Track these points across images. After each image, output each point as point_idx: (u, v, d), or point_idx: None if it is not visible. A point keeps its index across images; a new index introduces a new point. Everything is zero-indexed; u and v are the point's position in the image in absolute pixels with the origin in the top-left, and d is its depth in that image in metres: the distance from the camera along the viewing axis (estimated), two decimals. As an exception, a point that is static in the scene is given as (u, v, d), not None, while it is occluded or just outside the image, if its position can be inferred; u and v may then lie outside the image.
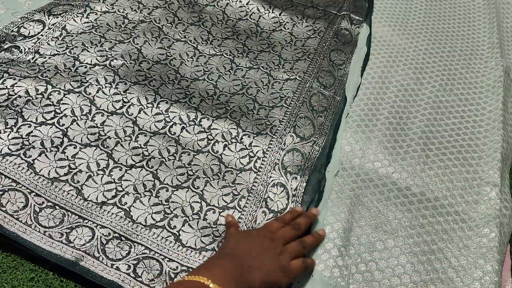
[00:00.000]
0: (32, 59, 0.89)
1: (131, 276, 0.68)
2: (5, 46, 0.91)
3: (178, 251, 0.72)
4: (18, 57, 0.90)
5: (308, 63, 1.05)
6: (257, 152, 0.87)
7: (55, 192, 0.75)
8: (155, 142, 0.84)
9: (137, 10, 1.04)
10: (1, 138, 0.78)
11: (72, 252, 0.69)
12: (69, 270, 0.71)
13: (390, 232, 0.82)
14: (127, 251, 0.71)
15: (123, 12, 1.03)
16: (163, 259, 0.71)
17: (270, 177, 0.84)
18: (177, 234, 0.74)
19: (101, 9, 1.01)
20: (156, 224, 0.75)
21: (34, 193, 0.73)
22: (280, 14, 1.15)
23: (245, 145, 0.87)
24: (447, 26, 1.28)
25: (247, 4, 1.15)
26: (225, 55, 1.02)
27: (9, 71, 0.86)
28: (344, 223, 0.82)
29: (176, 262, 0.71)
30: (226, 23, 1.11)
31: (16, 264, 0.74)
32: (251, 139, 0.88)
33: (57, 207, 0.73)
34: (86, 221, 0.73)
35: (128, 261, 0.69)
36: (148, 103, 0.89)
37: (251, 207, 0.80)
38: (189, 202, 0.78)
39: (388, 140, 0.96)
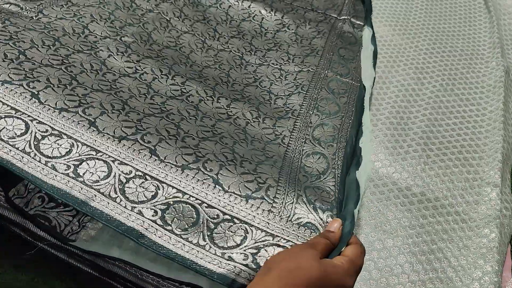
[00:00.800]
0: (36, 16, 0.83)
1: (158, 224, 0.55)
2: (2, 3, 0.85)
3: (219, 195, 0.59)
4: (19, 12, 0.82)
5: (318, 58, 1.02)
6: (282, 131, 0.77)
7: (62, 120, 0.63)
8: (173, 104, 0.74)
9: None
10: (1, 66, 0.67)
11: (82, 188, 0.56)
12: (70, 272, 0.71)
13: (390, 232, 0.82)
14: (153, 193, 0.57)
15: None
16: (200, 204, 0.58)
17: (303, 149, 0.74)
18: (216, 177, 0.61)
19: None
20: (190, 165, 0.62)
21: (36, 121, 0.62)
22: (282, 17, 1.15)
23: (269, 125, 0.78)
24: (448, 26, 1.27)
25: (249, 7, 1.15)
26: (233, 52, 1.01)
27: (11, 19, 0.78)
28: (342, 223, 0.81)
29: (217, 209, 0.58)
30: (230, 23, 1.11)
31: (17, 264, 0.74)
32: (274, 121, 0.79)
33: (64, 135, 0.61)
34: (100, 154, 0.60)
35: (154, 205, 0.56)
36: (162, 74, 0.80)
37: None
38: (220, 151, 0.66)
39: (388, 140, 0.96)
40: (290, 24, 1.13)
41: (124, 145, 0.62)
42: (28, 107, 0.63)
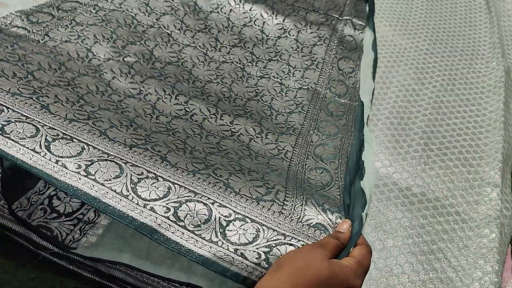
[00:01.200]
0: (42, 40, 0.86)
1: (171, 220, 0.54)
2: (11, 26, 0.88)
3: (230, 197, 0.60)
4: (26, 35, 0.85)
5: (318, 73, 1.04)
6: (285, 146, 0.79)
7: (73, 129, 0.63)
8: (178, 123, 0.75)
9: (145, 12, 1.05)
10: (11, 81, 0.68)
11: (93, 185, 0.56)
12: (70, 272, 0.71)
13: (390, 232, 0.82)
14: (165, 192, 0.57)
15: (131, 11, 1.03)
16: (212, 203, 0.57)
17: (306, 164, 0.75)
18: (226, 181, 0.62)
19: (109, 7, 1.01)
20: (200, 171, 0.62)
21: (47, 126, 0.62)
22: (283, 21, 1.14)
23: (271, 141, 0.79)
24: (448, 26, 1.27)
25: (250, 10, 1.15)
26: (235, 63, 1.02)
27: (19, 43, 0.80)
28: (342, 223, 0.81)
29: (229, 208, 0.58)
30: (232, 29, 1.11)
31: (16, 264, 0.74)
32: (276, 136, 0.81)
33: (75, 139, 0.61)
34: (112, 156, 0.60)
35: (167, 203, 0.56)
36: (166, 94, 0.81)
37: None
38: (227, 163, 0.67)
39: (389, 140, 0.96)
40: (291, 29, 1.13)
41: (136, 151, 0.62)
42: (39, 115, 0.64)
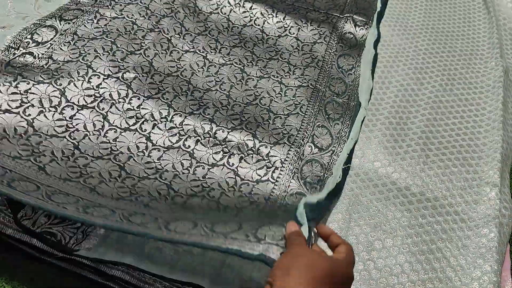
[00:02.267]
0: (46, 64, 0.89)
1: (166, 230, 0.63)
2: (19, 53, 0.92)
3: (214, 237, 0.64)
4: (32, 63, 0.89)
5: (318, 71, 1.04)
6: (274, 162, 0.84)
7: (67, 187, 0.71)
8: (169, 157, 0.82)
9: (145, 16, 1.05)
10: (10, 142, 0.76)
11: (92, 216, 0.65)
12: (71, 272, 0.72)
13: (389, 232, 0.83)
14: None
15: (131, 17, 1.03)
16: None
17: (289, 186, 0.81)
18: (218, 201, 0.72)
19: (110, 15, 1.02)
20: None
21: (45, 185, 0.70)
22: (284, 18, 1.14)
23: (262, 156, 0.84)
24: (447, 26, 1.28)
25: (250, 8, 1.15)
26: (235, 65, 1.02)
27: (23, 74, 0.85)
28: (341, 223, 0.82)
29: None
30: (232, 30, 1.10)
31: (16, 264, 0.75)
32: (269, 149, 0.85)
33: (70, 195, 0.69)
34: (103, 205, 0.68)
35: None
36: (162, 117, 0.87)
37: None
38: (207, 208, 0.74)
39: (388, 140, 0.96)
40: (292, 27, 1.13)
41: (122, 201, 0.71)
42: (37, 176, 0.71)
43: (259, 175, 0.82)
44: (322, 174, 0.84)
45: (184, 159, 0.82)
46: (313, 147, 0.88)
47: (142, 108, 0.87)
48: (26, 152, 0.74)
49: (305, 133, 0.90)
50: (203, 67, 1.00)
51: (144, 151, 0.82)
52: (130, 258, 0.73)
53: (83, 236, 0.75)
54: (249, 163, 0.83)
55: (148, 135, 0.84)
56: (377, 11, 1.19)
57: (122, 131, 0.83)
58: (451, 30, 1.27)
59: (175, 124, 0.86)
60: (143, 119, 0.85)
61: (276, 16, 1.16)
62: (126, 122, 0.84)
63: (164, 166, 0.80)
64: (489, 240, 0.81)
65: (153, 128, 0.85)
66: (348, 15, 1.18)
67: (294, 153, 0.86)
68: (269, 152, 0.85)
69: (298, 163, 0.84)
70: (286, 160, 0.84)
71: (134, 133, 0.83)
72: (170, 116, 0.87)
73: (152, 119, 0.86)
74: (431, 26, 1.26)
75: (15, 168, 0.71)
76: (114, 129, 0.83)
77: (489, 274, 0.77)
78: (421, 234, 0.82)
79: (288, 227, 0.61)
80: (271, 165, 0.83)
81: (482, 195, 0.88)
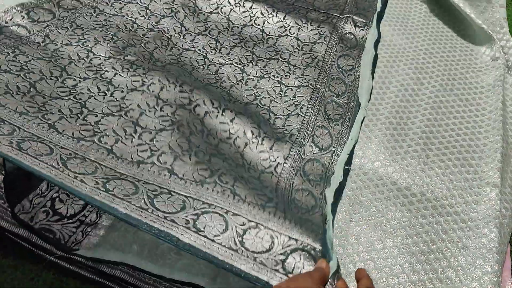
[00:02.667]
0: (43, 42, 0.87)
1: (192, 230, 0.58)
2: (11, 24, 0.89)
3: (239, 204, 0.63)
4: (27, 37, 0.87)
5: (318, 71, 1.04)
6: (277, 157, 0.83)
7: (82, 148, 0.67)
8: (182, 113, 0.79)
9: (145, 16, 1.05)
10: (15, 99, 0.71)
11: (114, 199, 0.60)
12: (71, 271, 0.71)
13: (389, 232, 0.82)
14: (181, 205, 0.61)
15: (131, 16, 1.03)
16: (226, 213, 0.61)
17: (293, 182, 0.83)
18: (233, 188, 0.66)
19: (109, 11, 1.02)
20: (206, 179, 0.67)
21: (59, 146, 0.66)
22: (284, 18, 1.14)
23: (266, 148, 0.83)
24: (447, 26, 1.27)
25: (250, 8, 1.15)
26: (235, 64, 1.02)
27: (20, 48, 0.83)
28: (341, 223, 0.82)
29: (242, 216, 0.62)
30: (232, 30, 1.10)
31: (16, 264, 0.74)
32: (272, 143, 0.84)
33: (87, 159, 0.65)
34: (124, 176, 0.64)
35: (186, 216, 0.60)
36: (170, 83, 0.84)
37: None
38: (228, 169, 0.71)
39: (388, 140, 0.96)
40: (292, 27, 1.13)
41: (144, 168, 0.66)
42: (48, 135, 0.68)
43: (263, 166, 0.80)
44: (323, 173, 0.84)
45: (196, 123, 0.79)
46: (313, 146, 0.88)
47: (148, 75, 0.84)
48: (33, 109, 0.71)
49: (305, 133, 0.90)
50: (203, 65, 1.01)
51: (156, 107, 0.78)
52: (130, 258, 0.72)
53: (82, 235, 0.74)
54: (254, 151, 0.81)
55: (157, 95, 0.81)
56: (377, 12, 1.20)
57: (129, 90, 0.80)
58: (451, 30, 1.27)
59: (185, 90, 0.84)
60: (150, 83, 0.83)
61: (276, 16, 1.16)
62: (132, 84, 0.82)
63: (179, 120, 0.77)
64: (489, 241, 0.81)
65: (161, 90, 0.82)
66: (348, 15, 1.19)
67: (296, 151, 0.86)
68: (272, 146, 0.84)
69: (300, 162, 0.84)
70: (289, 157, 0.84)
71: (142, 93, 0.80)
72: (179, 83, 0.85)
73: (160, 83, 0.83)
74: (431, 26, 1.26)
75: (24, 125, 0.67)
76: (120, 89, 0.80)
77: (489, 275, 0.77)
78: (422, 234, 0.82)
79: (318, 263, 0.60)
80: (273, 160, 0.82)
81: (482, 195, 0.88)
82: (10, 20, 0.88)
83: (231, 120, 0.84)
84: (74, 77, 0.82)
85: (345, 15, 1.19)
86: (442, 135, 0.99)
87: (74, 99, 0.76)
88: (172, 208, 0.60)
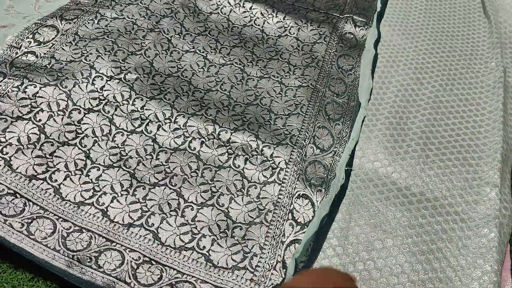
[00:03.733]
0: (49, 64, 0.90)
1: None
2: (21, 52, 0.93)
3: (210, 272, 0.72)
4: (35, 62, 0.91)
5: (318, 71, 1.05)
6: (279, 163, 0.86)
7: (81, 216, 0.75)
8: (176, 159, 0.84)
9: (145, 16, 1.05)
10: (25, 155, 0.79)
11: (103, 277, 0.69)
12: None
13: (389, 232, 0.82)
14: (158, 276, 0.70)
15: (132, 18, 1.04)
16: (196, 281, 0.70)
17: (295, 188, 0.83)
18: (208, 254, 0.74)
19: (111, 15, 1.03)
20: (185, 246, 0.75)
21: (61, 219, 0.74)
22: (284, 18, 1.14)
23: (267, 157, 0.86)
24: (447, 26, 1.27)
25: (250, 8, 1.15)
26: (235, 64, 1.02)
27: (28, 76, 0.86)
28: (341, 223, 0.82)
29: (210, 283, 0.70)
30: (232, 30, 1.11)
31: (16, 264, 0.74)
32: (272, 150, 0.87)
33: (83, 230, 0.73)
34: (114, 244, 0.73)
35: (161, 286, 0.69)
36: (165, 118, 0.89)
37: (277, 220, 0.79)
38: (215, 220, 0.77)
39: (388, 140, 0.96)
40: (292, 27, 1.13)
41: (132, 232, 0.75)
42: (53, 205, 0.77)
43: (265, 177, 0.83)
44: (325, 175, 0.85)
45: (191, 162, 0.84)
46: (314, 148, 0.89)
47: (146, 109, 0.89)
48: (41, 168, 0.79)
49: (306, 134, 0.90)
50: (203, 67, 1.01)
51: (152, 153, 0.84)
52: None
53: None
54: (254, 165, 0.85)
55: (153, 137, 0.86)
56: (377, 11, 1.20)
57: (129, 133, 0.86)
58: (451, 30, 1.27)
59: (179, 125, 0.89)
60: (147, 121, 0.88)
61: (276, 16, 1.16)
62: (132, 124, 0.87)
63: (173, 169, 0.83)
64: (489, 240, 0.81)
65: (158, 129, 0.87)
66: (348, 15, 1.19)
67: (297, 154, 0.87)
68: (273, 153, 0.86)
69: (301, 164, 0.86)
70: (290, 161, 0.85)
71: (140, 136, 0.86)
72: (174, 117, 0.89)
73: (157, 120, 0.88)
74: (431, 26, 1.26)
75: (32, 197, 0.76)
76: (121, 132, 0.86)
77: (489, 274, 0.77)
78: (421, 234, 0.82)
79: None
80: (276, 166, 0.84)
81: (482, 195, 0.88)
82: (19, 49, 0.93)
83: (228, 141, 0.88)
84: (79, 108, 0.87)
85: (345, 15, 1.19)
86: (442, 135, 0.99)
87: (80, 147, 0.83)
88: (151, 280, 0.72)
